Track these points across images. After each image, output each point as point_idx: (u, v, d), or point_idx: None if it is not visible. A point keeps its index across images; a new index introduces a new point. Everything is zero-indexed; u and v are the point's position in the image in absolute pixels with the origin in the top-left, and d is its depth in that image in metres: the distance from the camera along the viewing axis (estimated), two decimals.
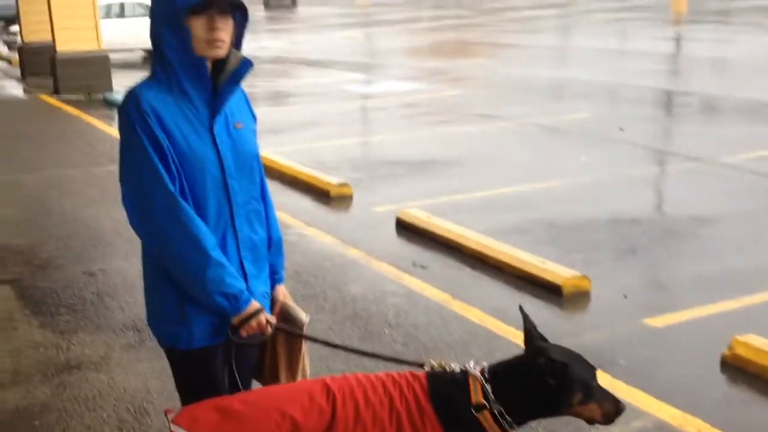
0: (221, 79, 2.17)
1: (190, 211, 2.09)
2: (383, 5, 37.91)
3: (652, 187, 7.61)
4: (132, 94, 2.11)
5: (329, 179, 7.48)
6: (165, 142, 2.08)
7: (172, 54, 2.10)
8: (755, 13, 23.86)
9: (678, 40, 20.04)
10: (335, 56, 18.92)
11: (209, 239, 2.10)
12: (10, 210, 7.13)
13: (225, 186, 2.18)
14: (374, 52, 21.07)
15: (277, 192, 7.05)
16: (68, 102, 12.89)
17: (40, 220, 6.77)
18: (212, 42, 2.09)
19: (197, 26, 2.08)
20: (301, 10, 38.92)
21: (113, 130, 10.61)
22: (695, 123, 10.33)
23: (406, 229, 6.27)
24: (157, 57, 2.15)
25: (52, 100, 13.23)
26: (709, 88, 12.61)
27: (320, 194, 7.32)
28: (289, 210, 6.81)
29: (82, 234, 6.33)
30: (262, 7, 39.97)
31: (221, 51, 2.12)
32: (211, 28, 2.10)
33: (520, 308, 2.31)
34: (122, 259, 5.69)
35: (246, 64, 2.18)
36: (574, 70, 15.12)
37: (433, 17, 31.00)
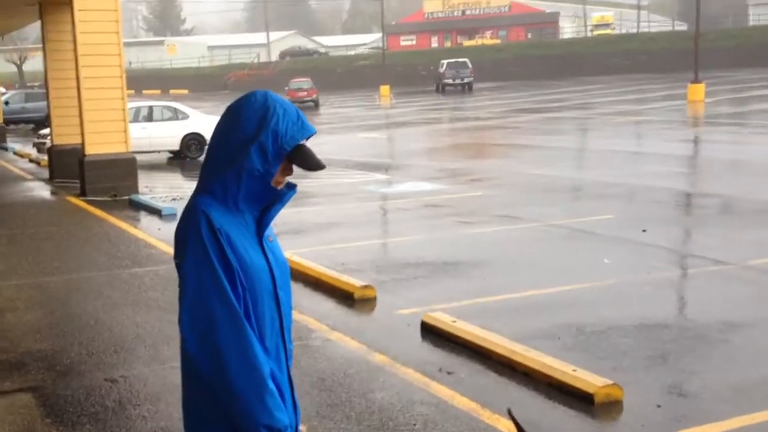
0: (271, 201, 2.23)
1: (253, 337, 2.09)
2: (405, 106, 38.76)
3: (678, 290, 7.52)
4: (199, 211, 2.10)
5: (353, 281, 7.46)
6: (234, 262, 2.08)
7: (249, 180, 2.12)
8: (766, 116, 24.15)
9: (696, 142, 20.22)
10: (357, 156, 19.22)
11: (267, 367, 2.10)
12: (33, 314, 7.14)
13: (276, 298, 2.20)
14: (396, 152, 21.42)
15: (300, 294, 7.05)
16: (94, 203, 13.10)
17: (63, 325, 6.76)
18: (282, 182, 2.19)
19: (282, 165, 2.16)
20: (324, 111, 39.85)
21: (138, 232, 10.73)
22: (717, 225, 10.27)
23: (431, 332, 6.20)
24: (219, 173, 2.14)
25: (79, 202, 13.46)
26: (728, 189, 12.61)
27: (344, 297, 7.29)
28: (313, 313, 6.77)
29: (104, 339, 6.31)
30: None
31: (283, 186, 2.21)
32: (290, 172, 2.19)
33: (509, 411, 2.28)
34: (144, 366, 5.64)
35: (294, 190, 2.23)
36: (594, 172, 15.23)
37: (453, 118, 31.60)
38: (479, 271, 8.11)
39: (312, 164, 2.16)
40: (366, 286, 7.32)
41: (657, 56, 55.90)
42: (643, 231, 9.70)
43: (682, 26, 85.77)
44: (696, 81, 30.23)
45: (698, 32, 32.43)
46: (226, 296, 2.05)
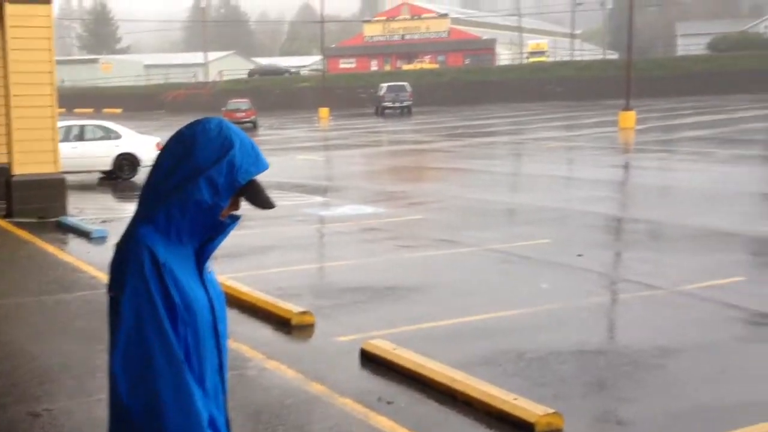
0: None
1: (193, 383, 1.95)
2: (344, 128, 38.77)
3: (613, 315, 7.60)
4: (142, 243, 1.96)
5: (290, 307, 7.32)
6: (177, 298, 1.96)
7: (196, 211, 2.00)
8: (694, 143, 24.87)
9: (626, 168, 20.68)
10: (295, 178, 19.07)
11: (205, 415, 1.97)
12: None
13: (216, 333, 2.09)
14: (335, 174, 21.33)
15: (235, 321, 6.87)
16: (21, 225, 12.64)
17: None
18: (227, 215, 2.07)
19: (231, 199, 2.05)
20: (262, 132, 39.58)
21: (66, 255, 10.36)
22: (648, 250, 10.45)
23: (371, 360, 6.10)
24: (164, 202, 2.01)
25: (4, 224, 12.97)
26: (658, 215, 12.87)
27: (281, 323, 7.13)
28: (249, 340, 6.60)
29: (29, 369, 6.02)
30: None
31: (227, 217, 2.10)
32: (237, 207, 2.08)
33: None
34: (69, 399, 5.39)
35: (237, 221, 2.12)
36: (529, 196, 15.41)
37: (392, 141, 31.72)
38: (419, 296, 8.06)
39: (263, 202, 2.06)
40: (304, 312, 7.19)
41: (589, 84, 57.29)
42: (579, 256, 9.81)
43: (613, 55, 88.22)
44: (627, 108, 31.02)
45: (630, 62, 33.35)
46: (166, 338, 1.92)
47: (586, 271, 9.18)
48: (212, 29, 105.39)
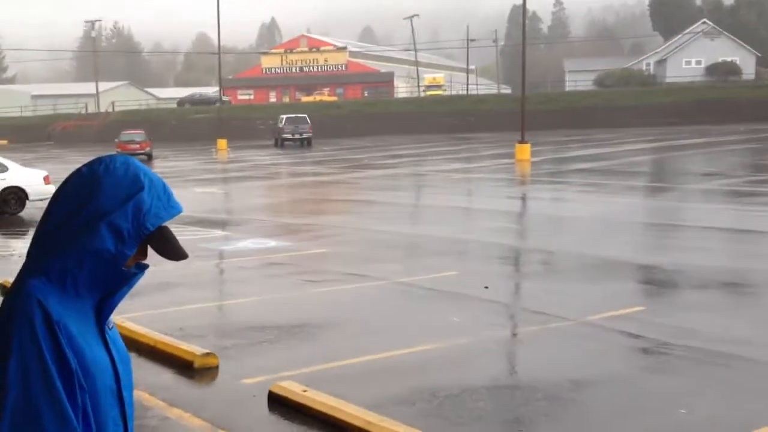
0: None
1: None
2: (243, 160, 38.19)
3: (525, 348, 7.57)
4: (33, 299, 1.69)
5: (192, 348, 6.96)
6: (74, 363, 1.69)
7: (96, 262, 1.74)
8: (586, 174, 25.71)
9: (526, 199, 21.11)
10: (194, 212, 18.52)
11: None
12: None
13: (120, 399, 1.83)
14: (235, 207, 20.85)
15: (133, 365, 6.46)
16: None
17: None
18: (132, 265, 1.81)
19: (139, 247, 1.79)
20: (158, 164, 38.52)
21: None
22: (552, 280, 10.53)
23: (280, 403, 5.82)
24: (58, 252, 1.74)
25: None
26: (559, 245, 13.09)
27: (183, 366, 6.76)
28: (148, 386, 6.20)
29: None
30: None
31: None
32: (143, 257, 1.82)
33: None
34: None
35: (143, 271, 1.85)
36: (433, 228, 15.43)
37: (293, 173, 31.41)
38: (328, 333, 7.83)
39: (174, 252, 1.79)
40: (207, 354, 6.84)
41: (485, 117, 58.76)
42: (486, 288, 9.82)
43: (506, 89, 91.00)
44: (523, 141, 31.83)
45: (524, 96, 34.35)
46: (61, 410, 1.65)
47: (494, 303, 9.17)
48: (104, 59, 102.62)
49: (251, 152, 44.44)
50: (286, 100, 75.75)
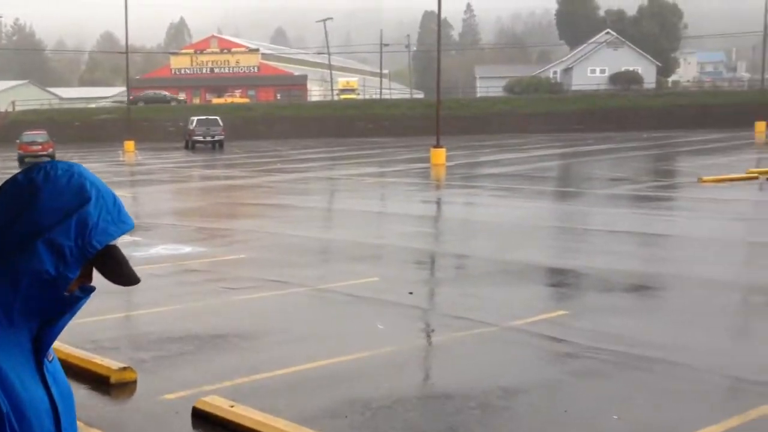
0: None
1: None
2: (152, 163, 37.15)
3: (453, 355, 7.48)
4: None
5: (108, 363, 6.59)
6: (5, 406, 1.44)
7: (33, 286, 1.48)
8: (500, 179, 26.11)
9: (443, 203, 21.21)
10: None
11: None
12: None
13: None
14: (145, 212, 20.16)
15: None
16: None
17: None
18: (75, 289, 1.55)
19: (83, 269, 1.53)
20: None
21: None
22: (475, 285, 10.51)
23: (205, 420, 5.55)
24: None
25: None
26: (478, 249, 13.13)
27: (98, 381, 6.39)
28: None
29: None
30: (16, 162, 37.61)
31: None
32: (88, 280, 1.55)
33: None
34: None
35: (89, 294, 1.59)
36: (352, 232, 15.28)
37: (206, 176, 30.72)
38: (252, 343, 7.57)
39: (124, 276, 1.54)
40: (124, 368, 6.49)
41: (399, 121, 59.08)
42: (410, 293, 9.73)
43: (419, 94, 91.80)
44: (438, 146, 32.07)
45: (439, 101, 34.66)
46: None
47: (419, 309, 9.09)
48: (3, 57, 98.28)
49: (161, 154, 43.30)
50: (197, 101, 74.28)
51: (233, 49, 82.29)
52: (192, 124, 47.43)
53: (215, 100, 70.02)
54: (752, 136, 47.35)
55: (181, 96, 69.37)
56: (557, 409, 5.84)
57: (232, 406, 5.56)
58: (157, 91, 68.51)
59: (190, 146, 47.29)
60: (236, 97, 70.42)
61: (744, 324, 8.52)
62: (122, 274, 1.53)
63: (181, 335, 7.81)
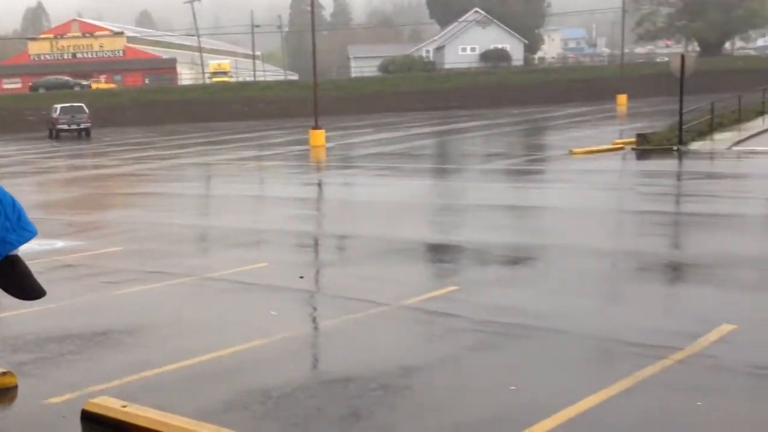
0: None
1: None
2: (13, 153, 35.09)
3: (350, 337, 7.42)
4: None
5: None
6: None
7: None
8: (381, 158, 26.25)
9: (326, 185, 21.10)
10: None
11: None
12: None
13: None
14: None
15: None
16: None
17: None
18: None
19: None
20: None
21: None
22: (364, 265, 10.48)
23: (97, 422, 5.26)
24: None
25: None
26: (363, 229, 13.12)
27: None
28: None
29: None
30: None
31: None
32: None
33: None
34: None
35: None
36: (234, 218, 14.94)
37: (74, 166, 29.30)
38: (139, 338, 7.25)
39: (27, 289, 1.34)
40: (3, 373, 6.07)
41: (275, 103, 58.35)
42: (300, 277, 9.61)
43: (293, 75, 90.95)
44: (316, 127, 31.87)
45: (316, 83, 34.41)
46: None
47: (311, 292, 8.99)
48: None
49: (21, 145, 41.03)
50: None
51: (96, 33, 78.78)
52: (55, 112, 45.12)
53: None
54: (614, 109, 49.66)
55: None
56: (457, 384, 5.89)
57: (124, 407, 5.29)
58: (59, 76, 64.58)
59: (54, 135, 45.04)
60: (101, 83, 67.51)
61: (618, 288, 8.88)
62: (26, 287, 1.35)
63: (62, 334, 7.39)
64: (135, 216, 15.72)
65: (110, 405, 5.34)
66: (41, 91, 60.77)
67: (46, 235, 13.68)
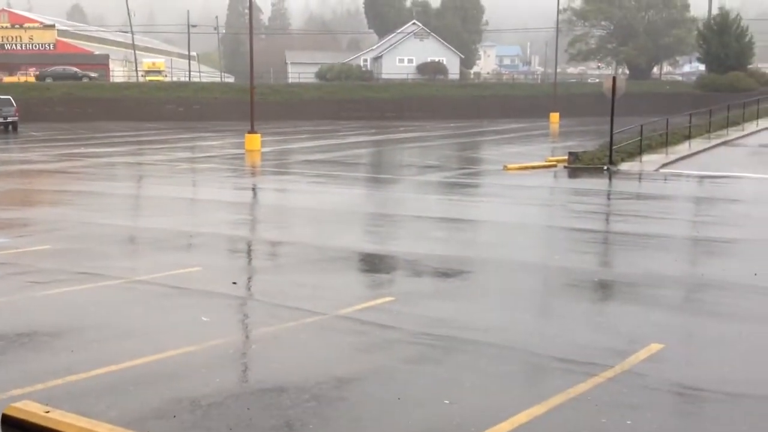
0: None
1: None
2: None
3: (284, 346, 7.33)
4: None
5: None
6: None
7: None
8: (317, 165, 26.16)
9: (260, 190, 20.89)
10: None
11: None
12: None
13: None
14: None
15: None
16: None
17: None
18: None
19: None
20: None
21: None
22: (299, 273, 10.36)
23: (17, 427, 5.05)
24: None
25: None
26: (299, 237, 13.01)
27: None
28: None
29: None
30: None
31: None
32: None
33: None
34: None
35: None
36: (166, 220, 14.65)
37: None
38: (65, 341, 7.01)
39: None
40: None
41: (210, 105, 57.55)
42: (234, 283, 9.47)
43: (229, 78, 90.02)
44: (252, 131, 31.55)
45: (253, 87, 34.08)
46: None
47: (245, 299, 8.86)
48: None
49: None
50: None
51: (26, 24, 76.44)
52: None
53: (6, 79, 64.66)
54: (547, 126, 50.65)
55: (93, 73, 63.77)
56: (391, 397, 5.87)
57: (47, 412, 5.10)
58: (67, 67, 62.65)
59: None
60: (30, 76, 65.47)
61: (550, 304, 9.01)
62: None
63: None
64: (64, 214, 15.25)
65: (33, 410, 5.14)
66: (48, 80, 58.99)
67: None
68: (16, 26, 75.44)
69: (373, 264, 11.17)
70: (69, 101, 55.51)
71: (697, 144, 31.00)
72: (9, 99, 44.33)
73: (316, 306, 8.41)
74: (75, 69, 62.80)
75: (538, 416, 5.49)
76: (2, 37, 73.98)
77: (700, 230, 14.11)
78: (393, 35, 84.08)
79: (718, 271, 10.51)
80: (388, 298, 8.79)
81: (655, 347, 7.03)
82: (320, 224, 14.52)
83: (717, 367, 6.65)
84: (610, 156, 24.70)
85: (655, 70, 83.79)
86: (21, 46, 73.83)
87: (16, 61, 70.84)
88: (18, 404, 5.26)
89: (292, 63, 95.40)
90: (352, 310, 8.26)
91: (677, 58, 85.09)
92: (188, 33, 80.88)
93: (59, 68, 62.74)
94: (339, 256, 11.35)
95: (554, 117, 54.54)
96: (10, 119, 43.30)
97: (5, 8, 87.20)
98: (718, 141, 32.20)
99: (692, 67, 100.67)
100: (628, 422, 5.45)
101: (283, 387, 5.99)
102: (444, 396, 5.89)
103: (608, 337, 7.43)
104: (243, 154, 30.28)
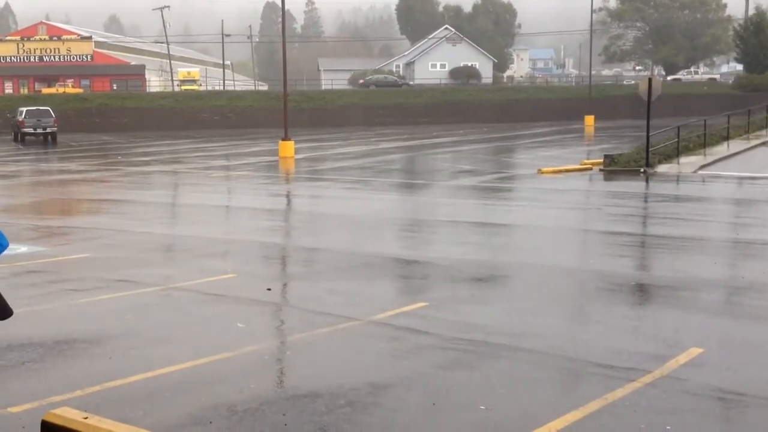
0: None
1: None
2: None
3: (318, 352, 7.34)
4: None
5: None
6: None
7: None
8: (351, 172, 26.20)
9: (295, 197, 20.99)
10: None
11: None
12: None
13: None
14: None
15: None
16: None
17: None
18: None
19: None
20: None
21: None
22: (333, 279, 10.37)
23: None
24: None
25: None
26: (334, 243, 13.05)
27: None
28: None
29: None
30: None
31: None
32: None
33: None
34: None
35: None
36: (202, 228, 14.78)
37: (39, 170, 28.83)
38: (103, 348, 7.10)
39: None
40: None
41: (244, 113, 58.05)
42: (268, 290, 9.52)
43: (263, 86, 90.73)
44: (286, 138, 31.75)
45: (286, 94, 34.29)
46: None
47: (279, 305, 8.90)
48: None
49: None
50: (24, 91, 69.72)
51: (64, 37, 77.80)
52: (21, 115, 44.38)
53: (45, 90, 65.93)
54: (582, 129, 50.21)
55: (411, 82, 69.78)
56: (426, 403, 5.84)
57: (85, 418, 5.15)
58: (388, 76, 70.37)
59: (20, 139, 44.32)
60: (69, 87, 66.64)
61: (588, 309, 8.91)
62: None
63: (24, 342, 7.22)
64: (102, 223, 15.48)
65: (71, 416, 5.19)
66: (372, 88, 65.83)
67: (10, 239, 13.39)
68: (54, 38, 76.83)
69: (407, 270, 11.15)
70: (106, 112, 56.39)
71: (735, 145, 30.52)
72: (48, 110, 45.17)
73: (350, 312, 8.42)
74: (395, 78, 70.03)
75: (574, 422, 5.43)
76: (41, 49, 75.39)
77: (740, 232, 13.87)
78: (425, 40, 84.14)
79: (758, 274, 10.31)
80: (421, 304, 8.77)
81: (695, 351, 6.91)
82: (354, 230, 14.55)
83: (758, 371, 6.52)
84: (647, 158, 24.40)
85: (692, 70, 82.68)
86: (59, 58, 75.16)
87: (54, 73, 72.15)
88: (57, 411, 5.32)
89: (324, 70, 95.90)
90: (385, 316, 8.25)
91: (714, 58, 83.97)
92: (222, 42, 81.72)
93: (380, 76, 70.67)
94: (372, 262, 11.35)
95: (589, 120, 54.04)
96: (49, 130, 44.10)
97: (44, 21, 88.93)
98: (758, 141, 31.67)
99: (729, 68, 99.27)
100: (668, 428, 5.37)
101: (318, 393, 5.99)
102: (479, 402, 5.85)
103: (646, 342, 7.33)
104: (277, 161, 30.48)
